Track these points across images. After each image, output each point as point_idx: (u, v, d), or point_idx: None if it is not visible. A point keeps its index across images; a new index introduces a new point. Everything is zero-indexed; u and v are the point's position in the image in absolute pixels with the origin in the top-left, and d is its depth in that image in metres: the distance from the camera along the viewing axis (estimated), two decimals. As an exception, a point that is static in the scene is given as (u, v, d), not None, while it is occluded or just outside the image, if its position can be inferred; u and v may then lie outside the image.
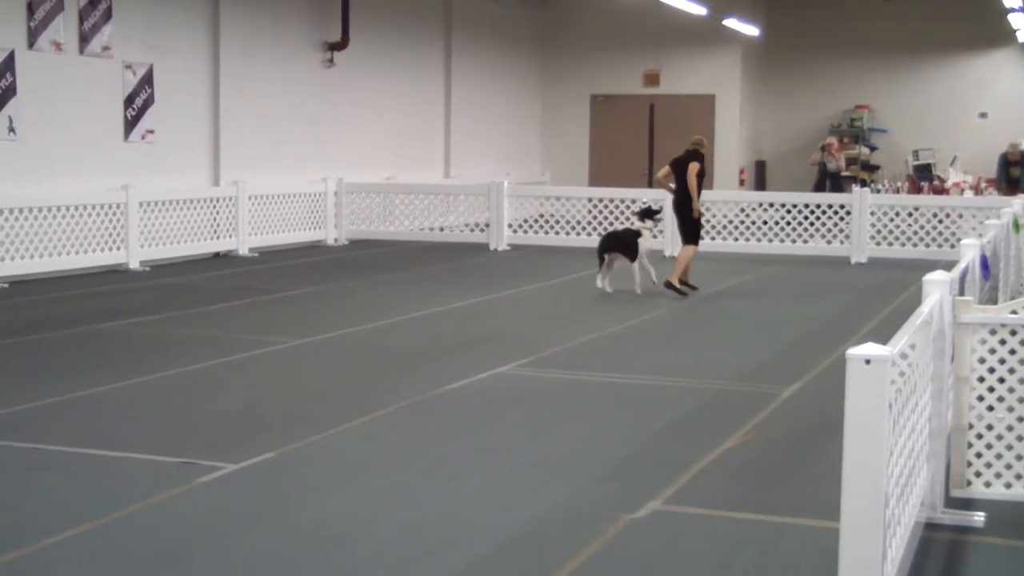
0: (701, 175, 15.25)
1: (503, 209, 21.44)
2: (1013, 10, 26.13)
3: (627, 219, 16.24)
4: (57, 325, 12.35)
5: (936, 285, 6.12)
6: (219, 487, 6.82)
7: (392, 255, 20.00)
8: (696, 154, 15.22)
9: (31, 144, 16.23)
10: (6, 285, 15.07)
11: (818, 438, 8.09)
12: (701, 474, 7.20)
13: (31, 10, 16.13)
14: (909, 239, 19.92)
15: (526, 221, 21.87)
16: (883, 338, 4.88)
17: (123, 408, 8.85)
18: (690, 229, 15.34)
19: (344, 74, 22.57)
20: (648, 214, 15.42)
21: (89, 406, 8.85)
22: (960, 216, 20.12)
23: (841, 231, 20.16)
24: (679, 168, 15.23)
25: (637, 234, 15.21)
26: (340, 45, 22.26)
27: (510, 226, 21.57)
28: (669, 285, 14.92)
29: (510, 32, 29.23)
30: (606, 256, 15.14)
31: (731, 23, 28.25)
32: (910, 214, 20.34)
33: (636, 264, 15.02)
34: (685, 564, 5.78)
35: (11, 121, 15.94)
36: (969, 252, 8.41)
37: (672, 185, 15.39)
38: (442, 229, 22.48)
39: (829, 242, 20.27)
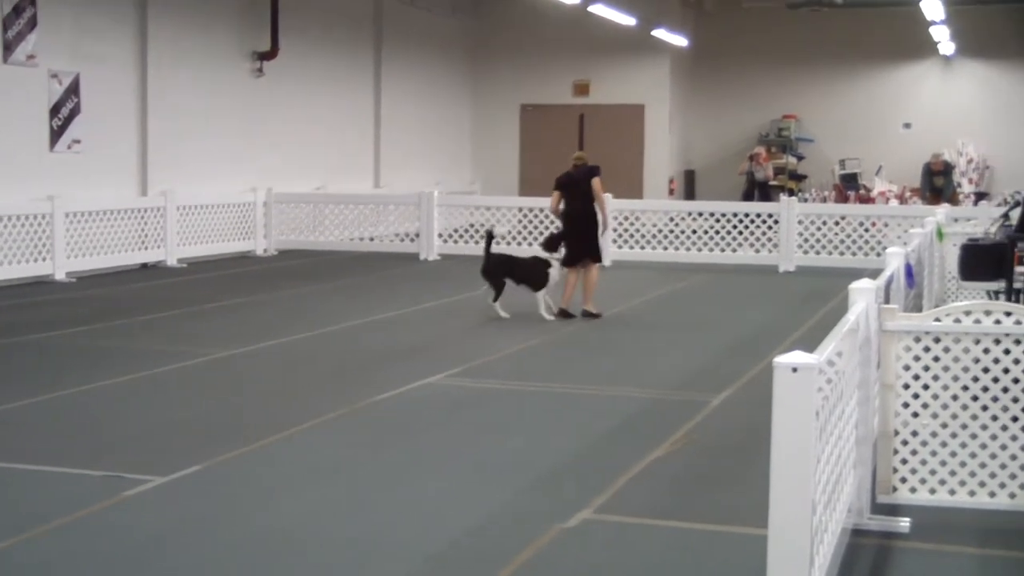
0: None
1: (433, 219, 21.41)
2: (934, 23, 26.55)
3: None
4: (-19, 337, 12.18)
5: (862, 293, 6.21)
6: (146, 501, 6.74)
7: (322, 265, 19.91)
8: (595, 168, 14.47)
9: (-46, 154, 15.99)
10: (-72, 297, 14.85)
11: (747, 446, 8.15)
12: (632, 483, 7.23)
13: (-46, 18, 15.90)
14: (836, 247, 20.15)
15: (456, 231, 21.84)
16: (810, 346, 4.93)
17: (49, 421, 8.74)
18: (596, 248, 14.56)
19: (273, 83, 22.45)
20: (551, 245, 14.26)
21: (13, 419, 8.72)
22: (886, 225, 20.41)
23: (769, 240, 20.35)
24: (574, 186, 14.35)
25: (547, 264, 14.13)
26: (269, 55, 22.13)
27: (440, 236, 21.55)
28: (587, 314, 14.14)
29: (440, 41, 29.23)
30: (505, 281, 14.11)
31: (660, 33, 28.42)
32: (837, 223, 20.59)
33: (541, 293, 14.07)
34: (616, 572, 5.81)
35: (-67, 131, 15.74)
36: (894, 260, 8.55)
37: (562, 208, 14.47)
38: (372, 239, 22.40)
39: (757, 251, 20.44)
